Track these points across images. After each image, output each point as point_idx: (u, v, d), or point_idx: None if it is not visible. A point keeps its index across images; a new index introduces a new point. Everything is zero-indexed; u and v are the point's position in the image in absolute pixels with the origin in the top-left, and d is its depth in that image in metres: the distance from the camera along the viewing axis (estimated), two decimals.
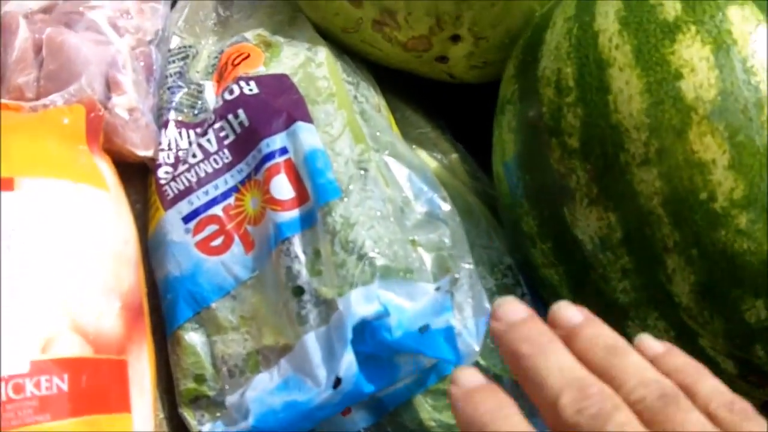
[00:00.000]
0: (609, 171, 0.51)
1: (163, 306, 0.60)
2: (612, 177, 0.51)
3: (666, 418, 0.37)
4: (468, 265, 0.57)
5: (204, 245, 0.58)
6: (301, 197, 0.57)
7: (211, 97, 0.63)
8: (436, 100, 0.74)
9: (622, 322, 0.54)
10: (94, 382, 0.50)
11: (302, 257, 0.55)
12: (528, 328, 0.41)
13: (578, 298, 0.56)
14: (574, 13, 0.55)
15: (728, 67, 0.49)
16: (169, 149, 0.62)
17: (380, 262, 0.53)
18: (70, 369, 0.49)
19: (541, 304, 0.61)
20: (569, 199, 0.53)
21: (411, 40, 0.66)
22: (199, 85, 0.65)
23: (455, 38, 0.66)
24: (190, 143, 0.62)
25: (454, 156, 0.69)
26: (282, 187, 0.57)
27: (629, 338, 0.54)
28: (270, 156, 0.58)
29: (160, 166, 0.61)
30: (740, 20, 0.50)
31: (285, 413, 0.53)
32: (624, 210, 0.51)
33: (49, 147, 0.55)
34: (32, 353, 0.48)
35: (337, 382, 0.51)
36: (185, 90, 0.65)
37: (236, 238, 0.58)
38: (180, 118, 0.63)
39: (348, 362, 0.51)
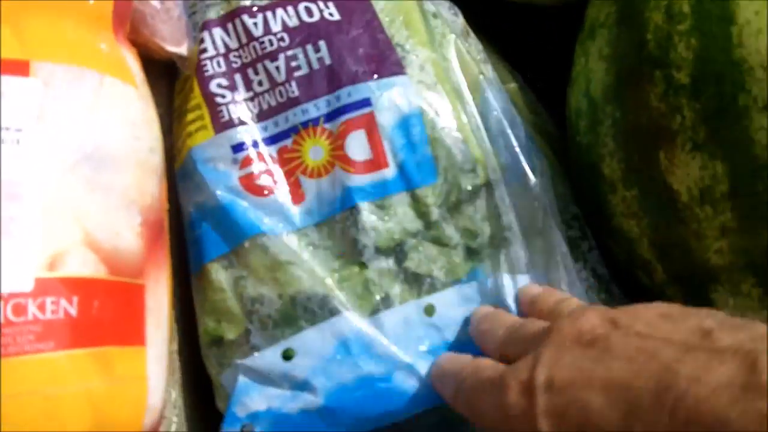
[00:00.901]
0: (723, 114, 0.44)
1: (190, 238, 0.52)
2: (725, 121, 0.44)
3: None
4: (564, 285, 0.51)
5: (248, 181, 0.51)
6: (380, 162, 0.50)
7: None
8: (495, 28, 0.66)
9: (708, 285, 0.47)
10: (107, 309, 0.42)
11: (371, 233, 0.49)
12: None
13: (659, 255, 0.49)
14: None
15: None
16: (218, 53, 0.54)
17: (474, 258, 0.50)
18: (81, 291, 0.41)
19: (608, 263, 0.54)
20: (668, 142, 0.46)
21: None
22: None
23: None
24: (240, 42, 0.53)
25: (513, 86, 0.60)
26: (360, 146, 0.51)
27: (712, 304, 0.48)
28: (351, 107, 0.51)
29: (210, 75, 0.53)
30: None
31: (360, 392, 0.47)
32: (735, 160, 0.44)
33: (71, 30, 0.47)
34: (37, 270, 0.41)
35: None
36: None
37: (285, 185, 0.51)
38: (222, 11, 0.55)
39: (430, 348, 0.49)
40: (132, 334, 0.44)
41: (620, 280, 0.54)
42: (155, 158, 0.48)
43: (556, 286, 0.49)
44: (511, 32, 0.66)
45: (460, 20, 0.58)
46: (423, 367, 0.47)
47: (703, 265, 0.47)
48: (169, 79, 0.56)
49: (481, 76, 0.55)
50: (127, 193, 0.45)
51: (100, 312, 0.42)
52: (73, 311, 0.41)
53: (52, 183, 0.42)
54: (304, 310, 0.48)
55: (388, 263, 0.49)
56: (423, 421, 0.49)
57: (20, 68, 0.44)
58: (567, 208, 0.55)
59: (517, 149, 0.52)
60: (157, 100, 0.53)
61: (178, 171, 0.53)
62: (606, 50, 0.50)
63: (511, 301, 0.49)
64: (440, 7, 0.58)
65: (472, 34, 0.58)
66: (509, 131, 0.52)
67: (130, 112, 0.47)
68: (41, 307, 0.40)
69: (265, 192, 0.50)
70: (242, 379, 0.48)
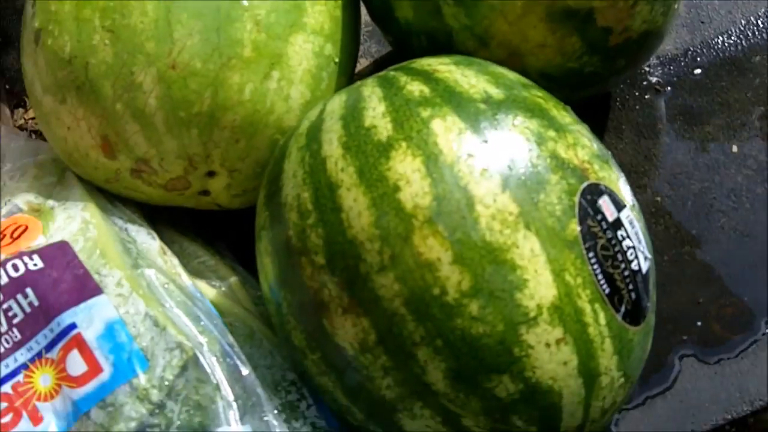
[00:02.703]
0: (354, 281, 0.56)
1: None
2: (357, 286, 0.56)
3: None
4: (267, 417, 0.61)
5: None
6: (96, 369, 0.60)
7: None
8: (214, 226, 0.78)
9: (393, 415, 0.58)
10: None
11: (103, 431, 0.59)
12: None
13: (352, 400, 0.60)
14: (305, 143, 0.61)
15: (438, 174, 0.55)
16: None
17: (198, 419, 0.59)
18: None
19: (329, 413, 0.64)
20: (326, 311, 0.58)
21: (170, 181, 0.70)
22: None
23: (211, 173, 0.71)
24: None
25: (234, 279, 0.72)
26: (76, 364, 0.60)
27: (403, 429, 0.59)
28: (62, 334, 0.61)
29: None
30: (443, 130, 0.57)
31: None
32: (373, 314, 0.56)
33: None
34: None
35: None
36: None
37: (24, 414, 0.60)
38: None
39: None
40: None
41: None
42: None
43: None
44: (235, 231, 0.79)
45: (157, 243, 0.70)
46: None
47: (381, 401, 0.58)
48: None
49: (174, 285, 0.66)
50: None
51: None
52: None
53: None
54: None
55: None
56: None
57: None
58: (285, 376, 0.65)
59: (218, 332, 0.63)
60: None
61: None
62: (269, 248, 0.62)
63: None
64: (138, 234, 0.70)
65: (168, 252, 0.70)
66: (212, 323, 0.64)
67: None
68: None
69: (8, 426, 0.59)
70: None
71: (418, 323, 0.55)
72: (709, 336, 0.75)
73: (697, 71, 0.89)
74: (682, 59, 0.89)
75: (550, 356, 0.55)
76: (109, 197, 0.73)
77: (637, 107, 0.87)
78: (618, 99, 0.87)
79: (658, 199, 0.81)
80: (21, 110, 0.94)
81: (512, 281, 0.54)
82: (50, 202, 0.70)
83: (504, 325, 0.54)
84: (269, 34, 0.67)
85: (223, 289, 0.72)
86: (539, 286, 0.54)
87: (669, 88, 0.88)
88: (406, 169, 0.56)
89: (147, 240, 0.70)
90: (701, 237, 0.79)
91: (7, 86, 0.94)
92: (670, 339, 0.74)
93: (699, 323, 0.75)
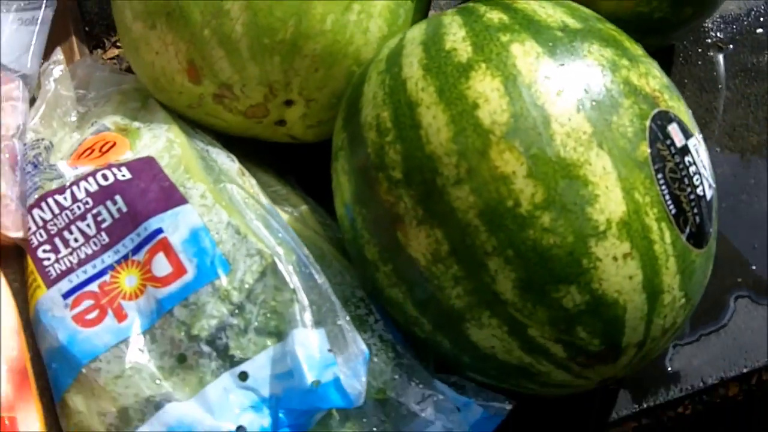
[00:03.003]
0: (430, 194, 0.59)
1: (49, 376, 0.64)
2: (433, 199, 0.59)
3: None
4: (339, 321, 0.63)
5: (80, 318, 0.63)
6: (180, 270, 0.63)
7: (66, 171, 0.69)
8: (284, 161, 0.82)
9: (461, 324, 0.61)
10: None
11: (184, 327, 0.62)
12: None
13: (421, 311, 0.63)
14: (385, 67, 0.64)
15: (516, 94, 0.58)
16: (38, 227, 0.67)
17: (274, 322, 0.62)
18: None
19: (394, 328, 0.67)
20: (400, 223, 0.61)
21: (250, 108, 0.74)
22: (54, 166, 0.70)
23: (289, 102, 0.74)
24: (53, 213, 0.67)
25: (305, 208, 0.76)
26: (162, 265, 0.64)
27: (469, 338, 0.61)
28: (148, 239, 0.65)
29: (36, 246, 0.67)
30: (522, 54, 0.60)
31: None
32: (447, 225, 0.59)
33: None
34: None
35: (240, 429, 0.59)
36: (43, 174, 0.70)
37: (109, 311, 0.63)
38: (37, 195, 0.69)
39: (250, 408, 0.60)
40: None
41: (404, 339, 0.68)
42: (10, 320, 0.61)
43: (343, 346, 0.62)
44: (303, 165, 0.82)
45: (236, 165, 0.73)
46: (242, 431, 0.59)
47: (451, 310, 0.61)
48: (18, 257, 0.69)
49: (253, 200, 0.69)
50: None
51: None
52: None
53: None
54: (135, 412, 0.60)
55: (202, 347, 0.61)
56: None
57: None
58: (355, 293, 0.68)
59: (294, 243, 0.66)
60: (14, 277, 0.67)
61: (32, 325, 0.65)
62: (346, 167, 0.65)
63: (312, 352, 0.60)
64: (218, 156, 0.73)
65: (247, 174, 0.73)
66: (290, 234, 0.67)
67: None
68: None
69: (94, 323, 0.63)
70: None
71: (491, 234, 0.57)
72: (763, 280, 0.77)
73: (759, 30, 0.91)
74: (744, 18, 0.92)
75: (616, 270, 0.57)
76: (190, 124, 0.76)
77: (699, 63, 0.90)
78: (681, 54, 0.90)
79: (718, 149, 0.84)
80: (99, 51, 0.98)
81: (584, 196, 0.57)
82: (136, 124, 0.74)
83: (574, 237, 0.57)
84: None
85: (295, 215, 0.75)
86: (609, 202, 0.57)
87: (731, 46, 0.91)
88: (485, 89, 0.59)
89: (227, 161, 0.73)
90: (758, 186, 0.81)
91: (86, 28, 0.98)
92: (726, 280, 0.77)
93: (754, 267, 0.78)
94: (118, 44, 0.97)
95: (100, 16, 1.00)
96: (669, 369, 0.74)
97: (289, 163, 0.83)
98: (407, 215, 0.60)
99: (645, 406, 0.72)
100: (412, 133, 0.60)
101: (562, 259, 0.57)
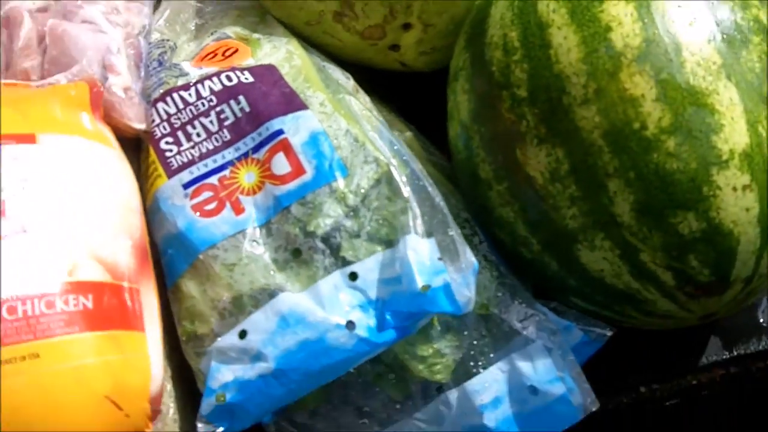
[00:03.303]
0: (554, 113, 0.60)
1: (163, 262, 0.66)
2: (557, 117, 0.60)
3: None
4: (451, 232, 0.64)
5: (199, 208, 0.65)
6: (299, 170, 0.65)
7: (190, 70, 0.71)
8: (386, 90, 0.83)
9: (572, 245, 0.62)
10: (114, 303, 0.56)
11: (300, 224, 0.63)
12: None
13: (532, 230, 0.64)
14: None
15: (649, 19, 0.59)
16: (162, 120, 0.69)
17: (384, 230, 0.63)
18: (93, 291, 0.55)
19: (496, 249, 0.69)
20: (521, 141, 0.62)
21: (367, 29, 0.75)
22: (178, 65, 0.72)
23: (406, 26, 0.75)
24: (178, 108, 0.69)
25: (409, 134, 0.77)
26: (282, 164, 0.65)
27: (578, 260, 0.62)
28: (269, 138, 0.67)
29: (159, 137, 0.69)
30: None
31: (303, 353, 0.60)
32: (569, 144, 0.60)
33: (60, 112, 0.62)
34: (60, 276, 0.54)
35: (350, 324, 0.60)
36: (168, 72, 0.72)
37: (227, 204, 0.65)
38: (162, 90, 0.71)
39: (358, 307, 0.61)
40: (134, 322, 0.57)
41: (507, 259, 0.69)
42: (135, 200, 0.63)
43: (453, 256, 0.63)
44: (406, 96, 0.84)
45: (351, 82, 0.75)
46: (351, 326, 0.60)
47: (564, 230, 0.62)
48: (136, 152, 0.70)
49: (369, 113, 0.71)
50: (118, 224, 0.59)
51: (109, 306, 0.55)
52: (90, 305, 0.54)
53: (63, 217, 0.56)
54: (249, 299, 0.62)
55: (315, 245, 0.63)
56: (368, 374, 0.63)
57: (29, 139, 0.59)
58: (459, 215, 0.69)
59: (408, 156, 0.67)
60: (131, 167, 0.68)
61: (148, 213, 0.67)
62: (467, 86, 0.66)
63: (423, 258, 0.62)
64: (334, 72, 0.75)
65: (361, 91, 0.75)
66: (403, 149, 0.68)
67: (113, 168, 0.62)
68: (66, 302, 0.53)
69: (212, 213, 0.65)
70: (213, 360, 0.61)
71: (614, 155, 0.58)
72: None
73: None
74: None
75: (735, 200, 0.58)
76: (305, 43, 0.77)
77: None
78: None
79: None
80: None
81: (709, 124, 0.58)
82: (256, 35, 0.75)
83: (697, 163, 0.57)
84: None
85: (401, 139, 0.76)
86: (734, 133, 0.58)
87: None
88: (619, 12, 0.59)
89: (342, 78, 0.74)
90: None
91: None
92: None
93: None
94: None
95: None
96: (762, 321, 0.74)
97: (390, 92, 0.84)
98: (528, 133, 0.61)
99: (735, 353, 0.73)
100: (541, 53, 0.61)
101: (683, 184, 0.58)
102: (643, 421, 0.76)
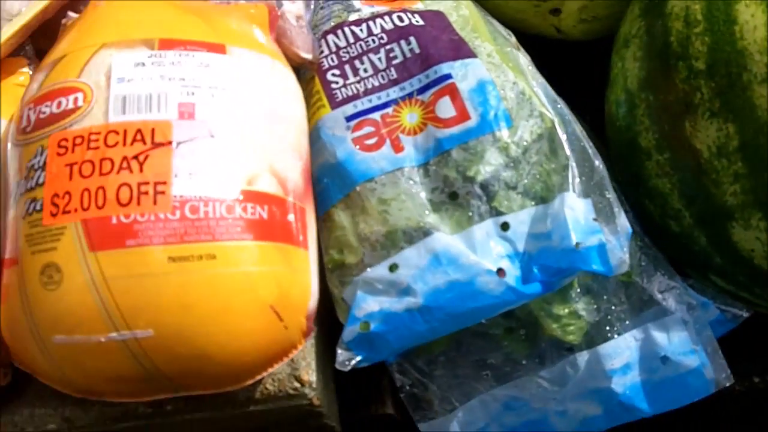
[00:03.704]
0: (732, 88, 0.60)
1: (317, 190, 0.67)
2: (734, 93, 0.60)
3: None
4: (609, 195, 0.65)
5: (359, 141, 0.66)
6: (464, 116, 0.65)
7: (361, 6, 0.73)
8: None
9: (727, 223, 0.62)
10: (284, 218, 0.57)
11: (460, 168, 0.64)
12: None
13: (687, 203, 0.64)
14: None
15: None
16: (331, 52, 0.70)
17: (540, 185, 0.64)
18: (269, 202, 0.56)
19: (641, 221, 0.69)
20: (692, 113, 0.62)
21: None
22: (350, 1, 0.74)
23: None
24: (348, 42, 0.71)
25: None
26: (446, 108, 0.66)
27: (730, 239, 0.62)
28: (436, 81, 0.67)
29: (326, 68, 0.70)
30: None
31: (451, 293, 0.61)
32: (742, 121, 0.60)
33: (246, 28, 0.63)
34: (241, 184, 0.56)
35: (500, 272, 0.61)
36: (339, 5, 0.73)
37: (387, 141, 0.66)
38: (333, 23, 0.72)
39: (507, 257, 0.62)
40: (299, 239, 0.58)
41: (651, 231, 0.69)
42: (305, 124, 0.64)
43: (607, 218, 0.63)
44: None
45: (513, 39, 0.75)
46: (501, 273, 0.61)
47: (722, 207, 0.62)
48: None
49: (534, 69, 0.71)
50: (292, 143, 0.61)
51: (281, 219, 0.57)
52: (264, 215, 0.56)
53: (246, 128, 0.58)
54: (404, 234, 0.63)
55: (473, 191, 0.63)
56: (498, 326, 0.64)
57: (219, 49, 0.60)
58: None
59: (569, 117, 0.68)
60: None
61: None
62: (639, 53, 0.67)
63: (578, 216, 0.62)
64: (499, 27, 0.75)
65: (522, 50, 0.75)
66: (565, 109, 0.68)
67: (291, 87, 0.64)
68: (244, 210, 0.55)
69: (372, 148, 0.66)
70: (360, 290, 0.62)
71: None
72: None
73: None
74: None
75: None
76: None
77: None
78: None
79: None
80: None
81: None
82: None
83: None
84: None
85: None
86: None
87: None
88: None
89: (504, 33, 0.75)
90: None
91: None
92: None
93: None
94: None
95: None
96: None
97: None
98: (701, 106, 0.61)
99: None
100: (725, 28, 0.61)
101: None
102: (752, 411, 0.76)
